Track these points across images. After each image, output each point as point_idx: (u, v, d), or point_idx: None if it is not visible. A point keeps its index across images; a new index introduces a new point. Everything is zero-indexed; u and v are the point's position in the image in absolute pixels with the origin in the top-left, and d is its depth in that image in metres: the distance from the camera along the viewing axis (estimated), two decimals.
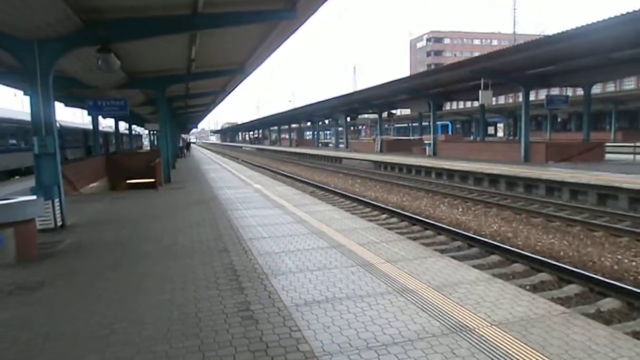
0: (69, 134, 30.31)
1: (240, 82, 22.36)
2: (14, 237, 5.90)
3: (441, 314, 3.87)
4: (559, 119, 48.24)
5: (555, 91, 28.41)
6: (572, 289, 6.47)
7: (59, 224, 8.14)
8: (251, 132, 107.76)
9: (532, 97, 24.94)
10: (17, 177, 21.49)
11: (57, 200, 8.09)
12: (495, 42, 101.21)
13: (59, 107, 21.06)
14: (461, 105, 64.82)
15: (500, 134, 63.44)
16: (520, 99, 24.36)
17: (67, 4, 7.03)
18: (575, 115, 45.66)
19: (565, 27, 14.37)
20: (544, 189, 14.81)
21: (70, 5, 7.19)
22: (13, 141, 21.87)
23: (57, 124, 8.30)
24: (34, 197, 6.51)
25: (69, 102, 21.43)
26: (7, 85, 17.23)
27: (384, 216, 12.41)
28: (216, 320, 3.84)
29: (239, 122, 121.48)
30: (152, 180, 15.85)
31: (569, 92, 34.62)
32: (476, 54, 22.91)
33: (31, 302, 4.44)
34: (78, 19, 7.69)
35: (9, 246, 5.88)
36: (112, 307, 4.22)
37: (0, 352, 3.39)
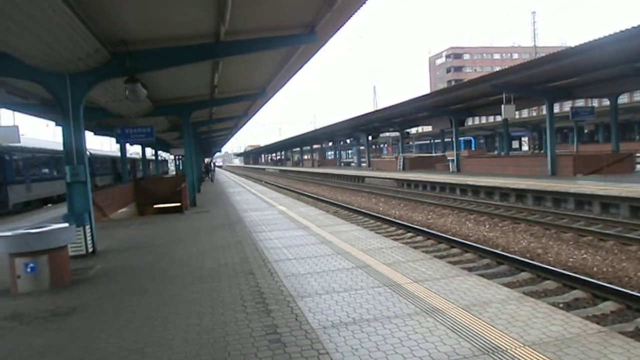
0: (99, 161, 31.23)
1: (262, 105, 22.75)
2: (48, 264, 6.07)
3: (471, 334, 3.79)
4: (585, 131, 47.23)
5: (580, 102, 27.96)
6: (608, 306, 6.25)
7: (90, 250, 8.34)
8: (274, 154, 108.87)
9: (556, 109, 24.57)
10: (49, 204, 22.19)
11: (88, 226, 8.30)
12: (515, 56, 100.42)
13: (88, 135, 21.82)
14: (484, 120, 64.25)
15: (525, 147, 62.42)
16: (544, 111, 24.01)
17: (97, 38, 7.35)
18: (602, 126, 44.56)
19: (587, 39, 14.17)
20: (573, 202, 14.44)
21: (99, 39, 7.52)
22: (45, 170, 22.65)
23: (87, 153, 8.57)
24: (67, 224, 6.72)
25: (98, 131, 22.14)
26: (40, 117, 17.97)
27: (409, 235, 12.29)
28: (244, 344, 3.85)
29: (262, 144, 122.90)
30: (178, 204, 16.12)
31: (595, 102, 33.94)
32: (497, 69, 22.77)
33: (65, 328, 4.55)
34: (106, 51, 8.02)
35: (44, 273, 6.05)
36: (142, 332, 4.28)
37: None
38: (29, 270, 5.95)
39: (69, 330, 4.47)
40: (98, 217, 12.19)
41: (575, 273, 7.56)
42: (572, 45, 15.14)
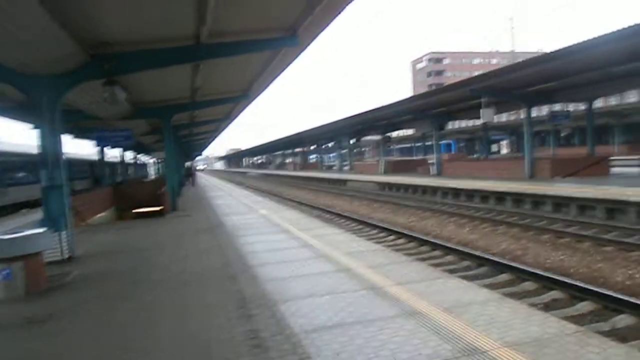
0: (76, 165, 30.62)
1: (245, 108, 22.63)
2: (24, 270, 5.92)
3: (453, 336, 3.82)
4: (562, 134, 48.27)
5: (557, 107, 28.52)
6: (585, 306, 6.37)
7: (67, 255, 8.15)
8: (256, 158, 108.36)
9: (534, 113, 25.04)
10: (24, 210, 21.65)
11: (64, 232, 8.13)
12: (494, 61, 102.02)
13: (66, 138, 21.45)
14: (464, 124, 65.10)
15: (504, 151, 63.41)
16: (523, 115, 24.45)
17: (76, 41, 7.23)
18: (579, 130, 45.60)
19: (564, 44, 14.48)
20: (551, 205, 14.72)
21: (79, 41, 7.39)
22: (22, 174, 22.11)
23: (64, 156, 8.39)
24: (43, 229, 6.56)
25: (77, 133, 21.74)
26: (16, 119, 17.53)
27: (391, 238, 12.35)
28: (226, 349, 3.81)
29: (243, 147, 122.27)
30: (158, 208, 15.91)
31: (571, 107, 34.69)
32: (476, 73, 23.11)
33: (41, 335, 4.43)
34: (86, 53, 7.89)
35: (18, 279, 5.89)
36: (121, 338, 4.20)
37: None
38: (3, 276, 5.79)
39: (45, 338, 4.36)
40: (76, 222, 11.93)
41: (553, 274, 7.69)
42: (550, 51, 15.47)
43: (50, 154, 8.08)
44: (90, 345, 4.10)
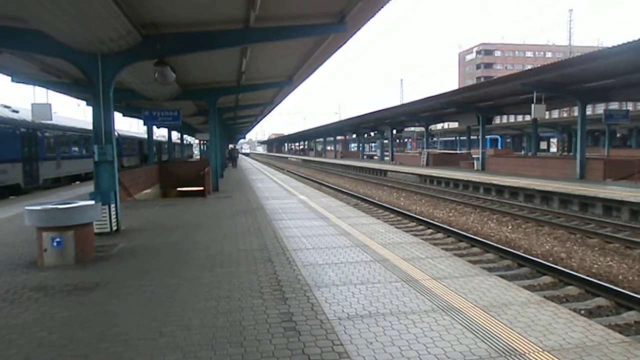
0: (126, 142, 31.85)
1: (288, 94, 22.76)
2: (74, 239, 6.23)
3: (489, 335, 3.73)
4: (617, 135, 45.81)
5: (614, 105, 27.07)
6: (632, 316, 6.08)
7: (114, 228, 8.53)
8: (297, 143, 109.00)
9: (588, 111, 23.84)
10: (77, 182, 22.77)
11: (113, 205, 8.48)
12: (549, 55, 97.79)
13: (117, 116, 22.42)
14: (512, 119, 62.90)
15: (553, 149, 60.93)
16: (576, 113, 23.35)
17: (129, 20, 7.44)
18: (636, 130, 43.15)
19: (625, 39, 13.67)
20: (601, 208, 14.05)
21: (131, 21, 7.60)
22: (75, 148, 23.21)
23: (115, 133, 8.73)
24: (93, 202, 6.87)
25: (127, 112, 22.57)
26: (72, 96, 18.41)
27: (429, 231, 12.17)
28: (260, 330, 3.89)
29: (285, 133, 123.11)
30: (201, 188, 16.33)
31: (629, 106, 32.83)
32: (528, 67, 22.18)
33: (87, 302, 4.67)
34: (138, 33, 8.11)
35: (69, 248, 6.21)
36: (160, 311, 4.36)
37: (58, 348, 3.57)
38: (55, 244, 6.12)
39: (91, 305, 4.59)
40: (123, 197, 12.45)
41: (599, 280, 7.37)
42: (609, 46, 14.64)
43: (102, 130, 8.42)
44: (132, 316, 4.28)
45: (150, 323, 4.07)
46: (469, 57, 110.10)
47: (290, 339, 3.70)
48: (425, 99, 28.02)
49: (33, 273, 5.81)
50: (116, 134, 8.82)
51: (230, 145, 51.77)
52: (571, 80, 19.08)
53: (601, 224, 12.26)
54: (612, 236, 10.64)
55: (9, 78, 13.51)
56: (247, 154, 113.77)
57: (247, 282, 5.27)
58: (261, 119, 43.59)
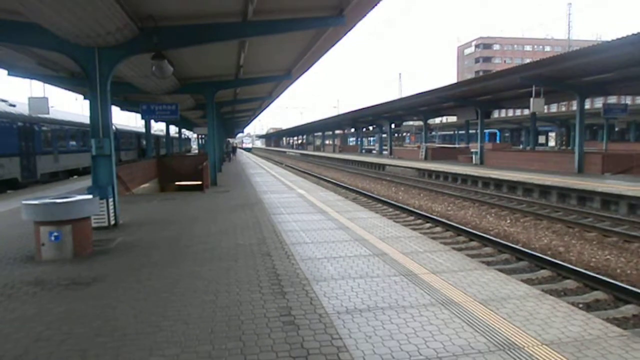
0: (124, 136, 31.74)
1: (287, 87, 22.67)
2: (72, 233, 6.22)
3: (488, 329, 3.73)
4: (616, 129, 45.77)
5: (612, 99, 27.03)
6: (630, 309, 6.10)
7: (112, 222, 8.51)
8: (295, 138, 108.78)
9: (587, 105, 23.82)
10: (75, 176, 22.71)
11: (111, 199, 8.46)
12: (547, 49, 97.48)
13: (114, 110, 22.38)
14: (510, 113, 62.85)
15: (551, 143, 60.96)
16: (574, 107, 23.34)
17: (126, 13, 7.38)
18: (635, 124, 43.13)
19: (624, 33, 13.60)
20: (599, 202, 14.07)
21: (128, 13, 7.54)
22: (72, 142, 23.13)
23: (113, 127, 8.68)
24: (91, 196, 6.85)
25: (124, 106, 22.45)
26: (69, 90, 18.30)
27: (427, 225, 12.18)
28: (258, 324, 3.88)
29: (284, 127, 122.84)
30: (199, 183, 16.30)
31: (628, 100, 32.79)
32: (527, 61, 22.13)
33: (85, 297, 4.65)
34: (135, 26, 8.05)
35: (67, 242, 6.19)
36: (159, 305, 4.35)
37: (57, 343, 3.56)
38: (52, 238, 6.11)
39: (89, 299, 4.58)
40: (121, 191, 12.40)
41: (597, 274, 7.38)
42: (608, 40, 14.59)
43: (99, 124, 8.37)
44: (130, 309, 4.27)
45: (149, 317, 4.06)
46: (467, 51, 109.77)
47: (289, 333, 3.70)
48: (423, 92, 27.95)
49: (31, 267, 5.79)
50: (114, 128, 8.77)
51: (230, 140, 51.66)
52: (570, 74, 19.03)
53: (599, 218, 12.28)
54: (611, 230, 10.65)
55: (6, 72, 13.43)
56: (248, 149, 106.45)
57: (245, 276, 5.26)
58: (260, 113, 43.48)
